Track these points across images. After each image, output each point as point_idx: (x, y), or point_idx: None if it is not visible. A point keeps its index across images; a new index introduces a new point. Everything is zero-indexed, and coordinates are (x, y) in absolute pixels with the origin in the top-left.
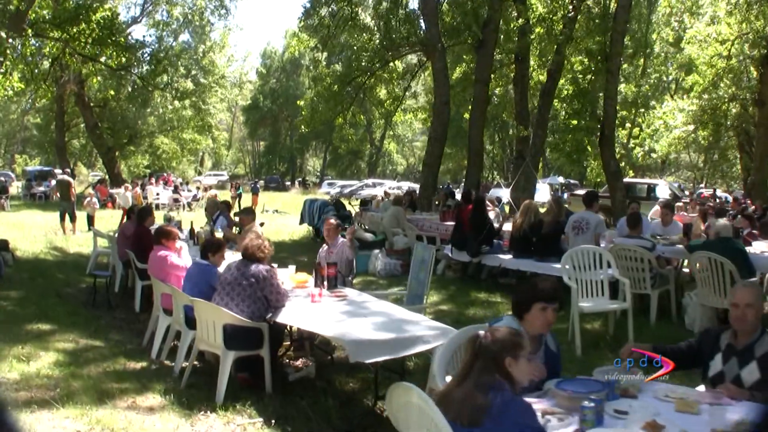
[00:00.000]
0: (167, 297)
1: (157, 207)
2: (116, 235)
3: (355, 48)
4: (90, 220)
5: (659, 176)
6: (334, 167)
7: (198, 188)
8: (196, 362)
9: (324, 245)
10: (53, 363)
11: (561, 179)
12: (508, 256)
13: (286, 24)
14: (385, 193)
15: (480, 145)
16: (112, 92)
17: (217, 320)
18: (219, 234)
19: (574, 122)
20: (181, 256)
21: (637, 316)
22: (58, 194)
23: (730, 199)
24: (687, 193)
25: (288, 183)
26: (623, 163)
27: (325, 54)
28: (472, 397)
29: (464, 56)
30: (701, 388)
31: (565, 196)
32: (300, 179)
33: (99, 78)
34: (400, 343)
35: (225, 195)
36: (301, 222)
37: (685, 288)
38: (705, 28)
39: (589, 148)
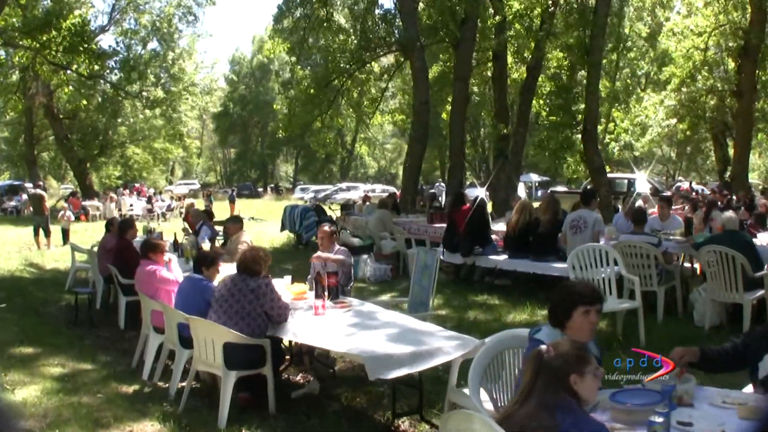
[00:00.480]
0: (158, 314)
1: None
2: (96, 249)
3: (331, 50)
4: (65, 234)
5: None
6: (306, 172)
7: (171, 198)
8: (193, 383)
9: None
10: (41, 391)
11: (535, 177)
12: (503, 257)
13: (253, 30)
14: (365, 196)
15: (461, 145)
16: (85, 102)
17: (216, 339)
18: (205, 245)
19: (553, 118)
20: (171, 270)
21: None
22: (31, 209)
23: (707, 191)
24: (665, 187)
25: (260, 189)
26: None
27: (294, 58)
28: (538, 418)
29: (440, 55)
30: (749, 389)
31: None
32: (272, 185)
33: (69, 88)
34: (420, 357)
35: (199, 204)
36: (282, 229)
37: (690, 283)
38: (682, 20)
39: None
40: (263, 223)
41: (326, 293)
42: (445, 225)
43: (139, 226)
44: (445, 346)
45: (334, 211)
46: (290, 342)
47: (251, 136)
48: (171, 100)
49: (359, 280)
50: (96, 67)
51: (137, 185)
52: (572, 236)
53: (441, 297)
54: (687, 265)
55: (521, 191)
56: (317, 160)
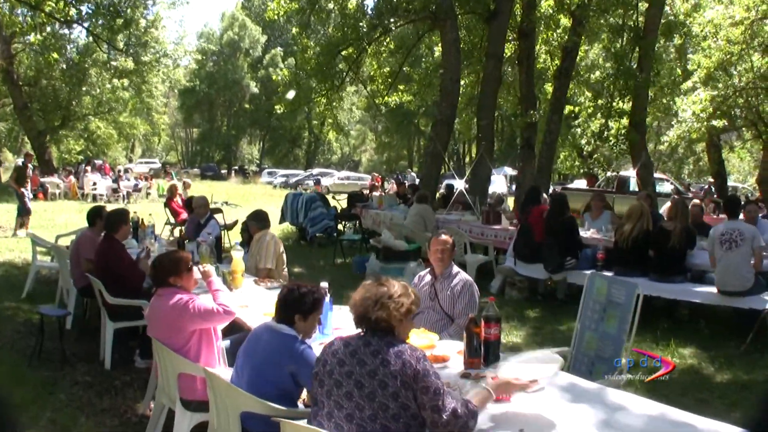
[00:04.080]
0: (192, 381)
1: (94, 198)
2: (65, 245)
3: (347, 12)
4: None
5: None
6: (272, 156)
7: (138, 177)
8: None
9: (426, 275)
10: None
11: (510, 171)
12: (606, 274)
13: (222, 6)
14: (372, 185)
15: (491, 131)
16: (55, 55)
17: None
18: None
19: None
20: (215, 287)
21: None
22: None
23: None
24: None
25: (224, 172)
26: (596, 155)
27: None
28: None
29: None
30: None
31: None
32: (236, 167)
33: (38, 36)
34: None
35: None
36: (282, 220)
37: None
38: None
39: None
40: (238, 209)
41: (484, 352)
42: (503, 227)
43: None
44: None
45: (338, 202)
46: None
47: (216, 116)
48: (141, 72)
49: None
50: (71, 12)
51: (99, 162)
52: (725, 252)
53: (520, 323)
54: None
55: (502, 186)
56: (283, 143)
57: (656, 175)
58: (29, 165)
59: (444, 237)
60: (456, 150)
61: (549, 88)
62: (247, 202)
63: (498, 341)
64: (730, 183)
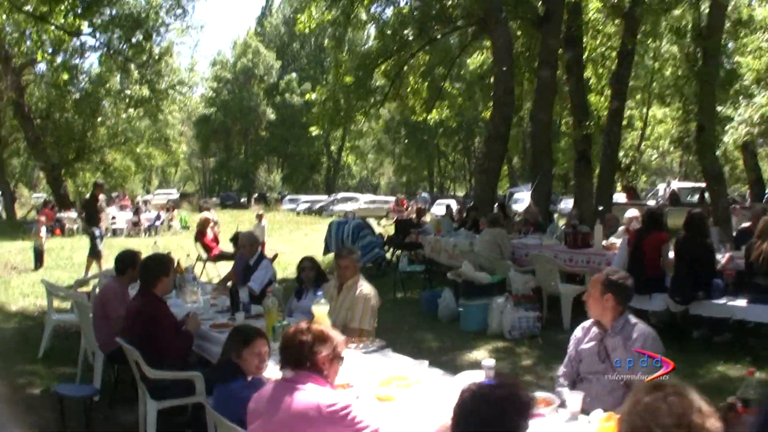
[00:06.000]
0: None
1: (114, 233)
2: (86, 293)
3: (386, 22)
4: (39, 256)
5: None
6: (290, 182)
7: (159, 209)
8: None
9: (591, 328)
10: None
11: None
12: (740, 302)
13: (233, 34)
14: (419, 209)
15: (548, 144)
16: (65, 76)
17: None
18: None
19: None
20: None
21: None
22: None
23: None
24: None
25: (243, 200)
26: (634, 167)
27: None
28: None
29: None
30: None
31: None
32: (256, 195)
33: (46, 55)
34: None
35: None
36: (326, 251)
37: None
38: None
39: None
40: (270, 241)
41: None
42: (596, 250)
43: (125, 242)
44: None
45: (385, 228)
46: None
47: (233, 144)
48: (157, 100)
49: (491, 334)
50: (80, 23)
51: (117, 194)
52: None
53: None
54: None
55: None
56: (301, 169)
57: (692, 184)
58: (100, 197)
59: (599, 274)
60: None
61: (593, 98)
62: (274, 231)
63: None
64: None
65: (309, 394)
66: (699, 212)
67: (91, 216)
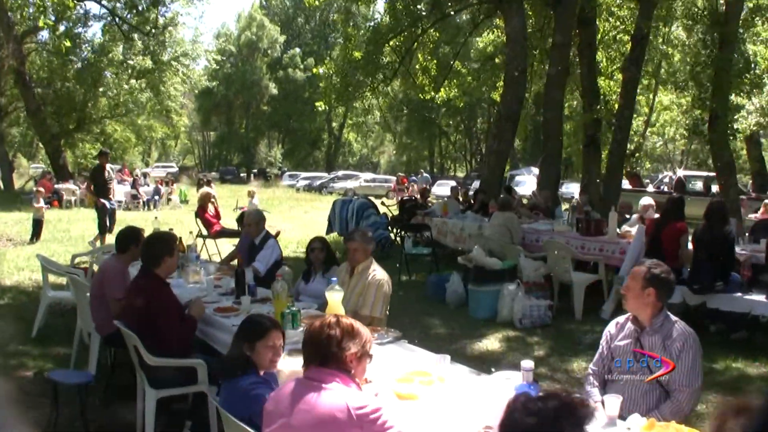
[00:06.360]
0: None
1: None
2: (83, 270)
3: None
4: (38, 227)
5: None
6: (291, 158)
7: (157, 182)
8: None
9: (626, 324)
10: None
11: (535, 170)
12: (759, 297)
13: (238, 7)
14: (423, 188)
15: (559, 126)
16: (68, 43)
17: None
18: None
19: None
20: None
21: None
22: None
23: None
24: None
25: (243, 175)
26: (639, 154)
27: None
28: None
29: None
30: None
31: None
32: (256, 171)
33: (48, 20)
34: None
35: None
36: (329, 230)
37: None
38: None
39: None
40: (274, 215)
41: None
42: (609, 238)
43: (123, 215)
44: None
45: (389, 208)
46: None
47: (234, 118)
48: (160, 71)
49: (500, 322)
50: None
51: (119, 167)
52: None
53: None
54: None
55: (532, 186)
56: (302, 145)
57: (697, 172)
58: (107, 167)
59: (641, 267)
60: (478, 148)
61: (602, 82)
62: (273, 207)
63: None
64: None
65: (336, 395)
66: (719, 201)
67: (100, 188)
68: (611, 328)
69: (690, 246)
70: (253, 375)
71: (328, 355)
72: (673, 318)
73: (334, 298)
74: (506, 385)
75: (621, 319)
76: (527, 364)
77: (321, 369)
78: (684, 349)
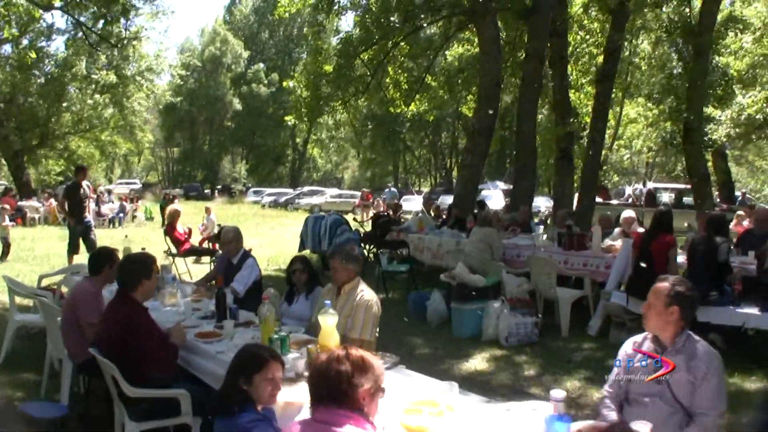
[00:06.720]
0: None
1: None
2: (50, 291)
3: (371, 8)
4: (5, 247)
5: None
6: (255, 174)
7: (121, 199)
8: None
9: (644, 342)
10: None
11: (501, 184)
12: (751, 310)
13: (200, 23)
14: (397, 205)
15: (533, 139)
16: (34, 55)
17: None
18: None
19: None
20: None
21: None
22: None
23: None
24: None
25: (207, 192)
26: (606, 167)
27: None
28: None
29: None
30: None
31: None
32: (220, 187)
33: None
34: None
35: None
36: (302, 247)
37: None
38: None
39: None
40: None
41: None
42: (594, 253)
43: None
44: None
45: (361, 224)
46: None
47: (198, 134)
48: (124, 86)
49: (485, 340)
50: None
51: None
52: None
53: None
54: None
55: (500, 201)
56: (266, 161)
57: (666, 185)
58: (83, 184)
59: (664, 283)
60: (443, 163)
61: (573, 95)
62: (240, 224)
63: None
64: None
65: None
66: (719, 214)
67: (75, 206)
68: (627, 347)
69: (679, 259)
70: (252, 411)
71: (338, 393)
72: (696, 337)
73: (328, 323)
74: (534, 417)
75: (638, 338)
76: (558, 394)
77: (331, 410)
78: (709, 370)
